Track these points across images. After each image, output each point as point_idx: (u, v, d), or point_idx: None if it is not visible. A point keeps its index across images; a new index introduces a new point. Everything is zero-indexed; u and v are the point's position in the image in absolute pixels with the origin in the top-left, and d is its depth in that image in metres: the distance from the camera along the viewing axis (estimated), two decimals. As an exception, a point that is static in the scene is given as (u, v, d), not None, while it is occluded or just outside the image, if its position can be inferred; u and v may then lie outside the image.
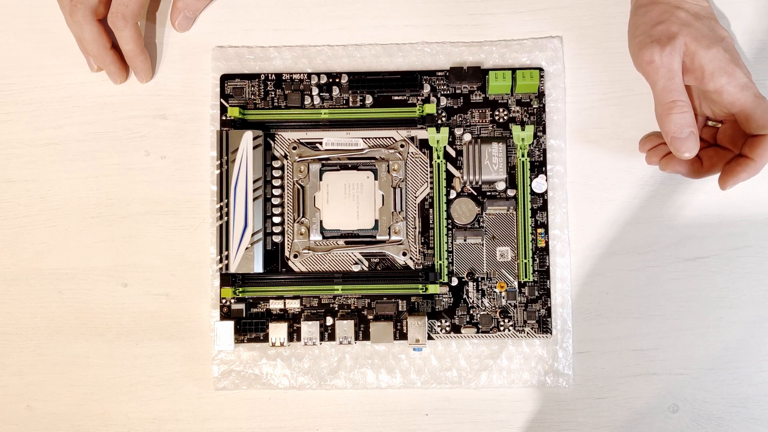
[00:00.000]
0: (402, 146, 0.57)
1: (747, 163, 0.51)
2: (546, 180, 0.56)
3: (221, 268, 0.55)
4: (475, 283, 0.56)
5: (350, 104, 0.57)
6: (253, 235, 0.55)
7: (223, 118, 0.57)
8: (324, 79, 0.57)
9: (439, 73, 0.57)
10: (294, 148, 0.57)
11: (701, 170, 0.54)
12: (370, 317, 0.56)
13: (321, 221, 0.56)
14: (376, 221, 0.56)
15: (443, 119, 0.57)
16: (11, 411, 0.57)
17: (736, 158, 0.51)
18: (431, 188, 0.57)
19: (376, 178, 0.56)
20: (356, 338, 0.56)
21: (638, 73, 0.56)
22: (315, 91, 0.57)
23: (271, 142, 0.57)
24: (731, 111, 0.51)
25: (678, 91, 0.50)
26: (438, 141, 0.56)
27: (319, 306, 0.56)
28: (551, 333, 0.56)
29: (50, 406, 0.57)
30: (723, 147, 0.53)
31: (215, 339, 0.55)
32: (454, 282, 0.56)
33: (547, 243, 0.56)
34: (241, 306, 0.56)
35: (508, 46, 0.57)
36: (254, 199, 0.55)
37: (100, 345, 0.57)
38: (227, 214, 0.55)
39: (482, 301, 0.56)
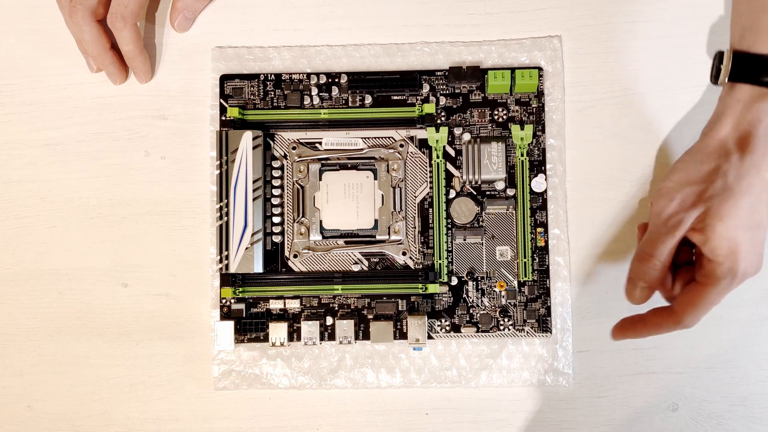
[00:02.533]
0: (401, 146, 0.57)
1: (666, 314, 0.50)
2: (545, 179, 0.56)
3: (221, 268, 0.55)
4: (474, 283, 0.56)
5: (350, 104, 0.57)
6: (253, 235, 0.55)
7: (223, 118, 0.57)
8: (323, 79, 0.57)
9: (438, 73, 0.57)
10: (293, 148, 0.57)
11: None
12: (370, 317, 0.56)
13: (321, 221, 0.56)
14: (376, 221, 0.56)
15: (442, 119, 0.57)
16: (12, 411, 0.57)
17: (660, 309, 0.50)
18: (431, 188, 0.57)
19: (375, 178, 0.56)
20: (356, 338, 0.56)
21: (638, 73, 0.56)
22: (314, 91, 0.57)
23: (271, 142, 0.57)
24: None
25: (662, 249, 0.49)
26: (437, 141, 0.56)
27: (319, 306, 0.56)
28: (551, 332, 0.56)
29: (51, 406, 0.57)
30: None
31: (215, 339, 0.55)
32: (454, 281, 0.56)
33: (546, 242, 0.56)
34: (241, 306, 0.56)
35: (507, 45, 0.57)
36: (254, 199, 0.55)
37: (100, 345, 0.57)
38: (227, 214, 0.55)
39: (482, 301, 0.56)
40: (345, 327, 0.55)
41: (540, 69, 0.57)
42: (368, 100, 0.57)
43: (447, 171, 0.57)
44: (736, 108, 0.48)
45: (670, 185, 0.49)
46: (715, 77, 0.51)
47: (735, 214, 0.47)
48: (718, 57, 0.50)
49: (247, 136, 0.55)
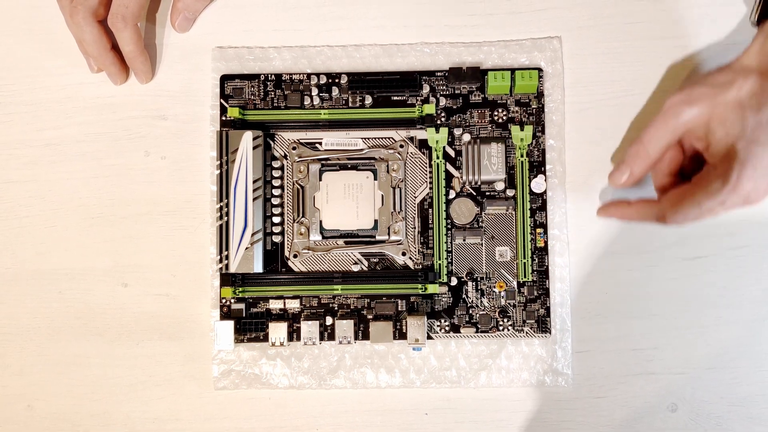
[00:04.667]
0: (401, 146, 0.57)
1: (652, 204, 0.51)
2: (545, 180, 0.56)
3: (221, 268, 0.55)
4: (474, 283, 0.56)
5: (350, 104, 0.57)
6: (253, 235, 0.55)
7: (223, 118, 0.57)
8: (323, 80, 0.57)
9: (439, 74, 0.57)
10: (294, 149, 0.57)
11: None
12: (370, 317, 0.56)
13: (321, 221, 0.56)
14: (376, 221, 0.56)
15: (442, 119, 0.57)
16: (12, 411, 0.57)
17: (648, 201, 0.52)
18: (430, 188, 0.57)
19: (375, 178, 0.56)
20: (356, 338, 0.56)
21: (638, 74, 0.56)
22: (314, 91, 0.57)
23: (271, 143, 0.57)
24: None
25: (652, 135, 0.50)
26: (437, 141, 0.56)
27: (319, 306, 0.56)
28: (550, 333, 0.56)
29: (51, 406, 0.57)
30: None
31: (215, 339, 0.55)
32: (454, 282, 0.56)
33: (546, 243, 0.56)
34: (241, 306, 0.56)
35: (507, 46, 0.57)
36: (254, 199, 0.55)
37: (101, 345, 0.57)
38: (227, 214, 0.55)
39: (481, 301, 0.56)
40: (344, 327, 0.55)
41: (540, 70, 0.57)
42: (368, 100, 0.57)
43: (447, 171, 0.57)
44: (762, 40, 0.50)
45: (688, 87, 0.50)
46: (751, 17, 0.54)
47: (738, 124, 0.47)
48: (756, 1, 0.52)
49: (248, 136, 0.55)
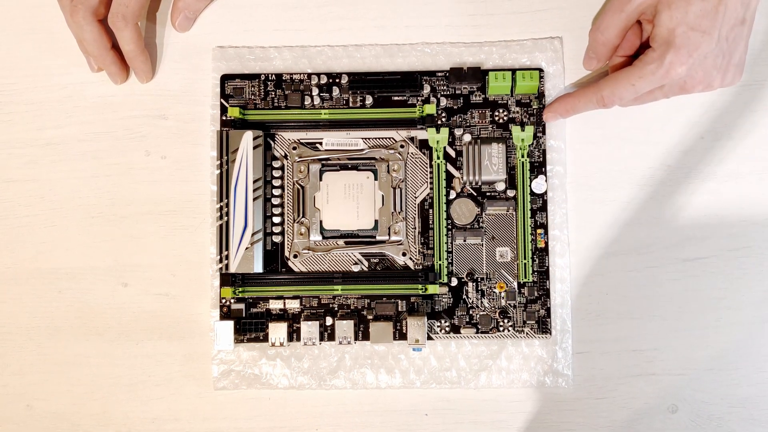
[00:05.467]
0: (402, 147, 0.57)
1: (591, 86, 0.53)
2: (545, 180, 0.56)
3: (221, 268, 0.55)
4: (474, 284, 0.56)
5: (350, 104, 0.57)
6: (253, 235, 0.55)
7: (224, 118, 0.57)
8: (324, 80, 0.57)
9: (439, 74, 0.57)
10: (294, 149, 0.57)
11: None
12: (370, 317, 0.56)
13: (321, 221, 0.56)
14: (376, 221, 0.56)
15: (443, 120, 0.57)
16: (11, 410, 0.57)
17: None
18: (431, 188, 0.57)
19: (376, 179, 0.56)
20: (356, 338, 0.56)
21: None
22: (315, 91, 0.57)
23: (271, 142, 0.57)
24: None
25: (607, 23, 0.51)
26: (438, 141, 0.56)
27: (319, 306, 0.56)
28: (550, 333, 0.56)
29: (50, 405, 0.57)
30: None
31: (215, 339, 0.55)
32: (454, 282, 0.56)
33: (546, 243, 0.56)
34: (241, 306, 0.56)
35: (507, 46, 0.57)
36: (254, 199, 0.55)
37: (100, 345, 0.57)
38: (227, 214, 0.55)
39: (482, 302, 0.56)
40: (345, 327, 0.55)
41: (541, 70, 0.57)
42: (369, 100, 0.57)
43: (447, 172, 0.57)
44: None
45: None
46: None
47: (683, 10, 0.48)
48: None
49: (248, 136, 0.55)
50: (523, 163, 0.56)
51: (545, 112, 0.56)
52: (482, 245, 0.56)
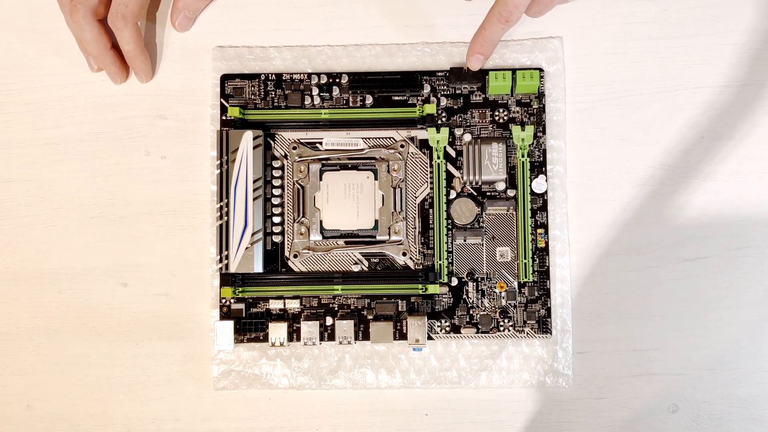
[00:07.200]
0: (402, 146, 0.57)
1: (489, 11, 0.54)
2: (546, 180, 0.56)
3: (221, 268, 0.55)
4: (474, 284, 0.56)
5: (350, 104, 0.57)
6: (253, 234, 0.55)
7: (224, 118, 0.57)
8: (324, 79, 0.57)
9: (439, 74, 0.57)
10: (294, 148, 0.57)
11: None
12: (370, 317, 0.56)
13: (321, 221, 0.56)
14: (376, 221, 0.56)
15: (443, 119, 0.57)
16: (11, 411, 0.57)
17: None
18: (431, 188, 0.57)
19: (376, 178, 0.56)
20: (356, 338, 0.56)
21: (639, 74, 0.56)
22: (315, 91, 0.57)
23: (271, 142, 0.57)
24: None
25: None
26: (438, 141, 0.56)
27: (319, 306, 0.56)
28: (551, 333, 0.56)
29: (50, 405, 0.57)
30: None
31: (215, 339, 0.55)
32: (454, 282, 0.56)
33: (546, 243, 0.56)
34: (241, 306, 0.56)
35: (508, 46, 0.57)
36: (254, 199, 0.55)
37: (100, 345, 0.57)
38: (227, 214, 0.55)
39: (482, 302, 0.56)
40: (345, 327, 0.55)
41: (541, 70, 0.57)
42: (369, 100, 0.57)
43: (447, 172, 0.57)
44: None
45: None
46: None
47: None
48: None
49: (248, 135, 0.55)
50: (523, 162, 0.56)
51: (466, 58, 0.56)
52: (482, 245, 0.56)
